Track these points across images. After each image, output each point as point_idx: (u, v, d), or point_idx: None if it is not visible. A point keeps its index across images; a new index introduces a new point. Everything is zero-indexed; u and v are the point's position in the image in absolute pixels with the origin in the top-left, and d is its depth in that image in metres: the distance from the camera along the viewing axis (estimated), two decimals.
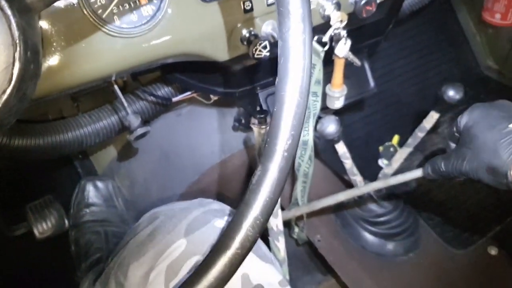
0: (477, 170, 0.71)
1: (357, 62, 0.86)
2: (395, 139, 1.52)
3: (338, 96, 0.93)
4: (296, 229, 1.36)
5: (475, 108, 0.74)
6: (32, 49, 0.41)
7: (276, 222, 1.03)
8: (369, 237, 1.30)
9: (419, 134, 1.17)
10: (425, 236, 1.34)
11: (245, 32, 0.78)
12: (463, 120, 0.75)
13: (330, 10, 0.80)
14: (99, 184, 1.30)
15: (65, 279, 1.21)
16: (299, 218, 1.28)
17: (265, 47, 0.76)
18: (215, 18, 0.76)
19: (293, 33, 0.44)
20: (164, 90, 1.05)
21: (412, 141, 1.20)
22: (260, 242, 0.80)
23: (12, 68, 0.40)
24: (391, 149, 1.49)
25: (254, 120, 0.95)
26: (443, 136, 1.55)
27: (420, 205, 1.39)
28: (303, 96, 0.46)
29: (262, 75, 0.97)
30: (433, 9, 1.64)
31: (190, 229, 0.74)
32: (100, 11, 0.66)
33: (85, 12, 0.65)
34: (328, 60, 0.88)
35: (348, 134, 1.32)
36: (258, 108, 1.02)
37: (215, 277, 0.48)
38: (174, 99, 1.04)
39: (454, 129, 0.78)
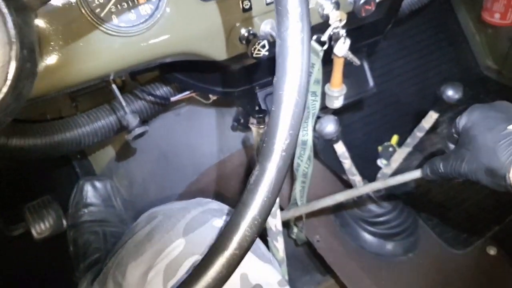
0: (476, 171, 0.70)
1: (356, 61, 0.86)
2: (394, 139, 1.51)
3: (337, 96, 0.93)
4: (295, 230, 1.36)
5: (474, 109, 0.74)
6: (28, 48, 0.41)
7: (274, 222, 1.02)
8: (368, 237, 1.30)
9: (418, 134, 1.17)
10: (424, 236, 1.33)
11: (243, 31, 0.78)
12: (462, 121, 0.75)
13: (329, 9, 0.79)
14: (98, 184, 1.30)
15: (64, 280, 1.20)
16: (298, 218, 1.28)
17: (263, 46, 0.76)
18: (214, 17, 0.76)
19: (291, 32, 0.44)
20: (162, 90, 1.04)
21: (411, 141, 1.20)
22: (259, 242, 0.80)
23: (8, 67, 0.40)
24: (390, 149, 1.49)
25: (252, 120, 0.95)
26: (442, 136, 1.55)
27: (419, 205, 1.38)
28: (301, 95, 0.46)
29: (261, 75, 0.97)
30: (432, 9, 1.64)
31: (188, 229, 0.74)
32: (98, 10, 0.66)
33: (83, 11, 0.65)
34: (327, 60, 0.88)
35: (347, 134, 1.32)
36: (256, 108, 1.01)
37: (213, 277, 0.48)
38: (173, 99, 1.04)
39: (453, 130, 0.77)
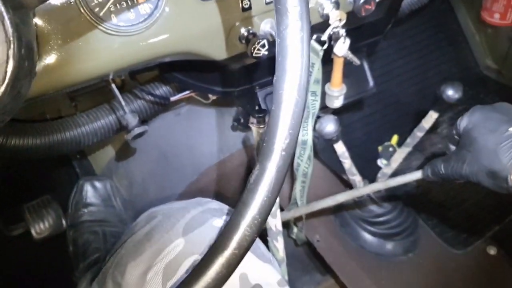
0: (477, 173, 0.70)
1: (356, 61, 0.86)
2: (394, 139, 1.51)
3: (337, 95, 0.93)
4: (295, 229, 1.36)
5: (475, 110, 0.74)
6: (26, 47, 0.41)
7: (274, 222, 1.02)
8: (368, 237, 1.30)
9: (418, 134, 1.17)
10: (424, 236, 1.33)
11: (243, 31, 0.78)
12: (463, 122, 0.74)
13: (329, 8, 0.79)
14: (97, 184, 1.30)
15: (63, 279, 1.20)
16: (298, 218, 1.28)
17: (263, 46, 0.76)
18: (213, 17, 0.76)
19: (291, 31, 0.44)
20: (162, 90, 1.04)
21: (411, 141, 1.20)
22: (258, 242, 0.80)
23: (6, 66, 0.40)
24: (390, 149, 1.48)
25: (252, 120, 0.94)
26: (442, 136, 1.55)
27: (419, 205, 1.38)
28: (301, 94, 0.45)
29: (260, 74, 0.96)
30: (432, 9, 1.64)
31: (188, 229, 0.74)
32: (97, 9, 0.66)
33: (82, 10, 0.65)
34: (327, 59, 0.88)
35: (347, 134, 1.32)
36: (256, 108, 1.01)
37: (212, 277, 0.47)
38: (172, 99, 1.04)
39: (454, 131, 0.77)
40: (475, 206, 1.39)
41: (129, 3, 0.68)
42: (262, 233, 1.04)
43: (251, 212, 0.48)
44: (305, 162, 1.06)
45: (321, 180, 1.37)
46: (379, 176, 1.26)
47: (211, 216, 0.76)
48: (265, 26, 0.78)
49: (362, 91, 1.14)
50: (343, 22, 0.80)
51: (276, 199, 0.49)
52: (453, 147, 0.80)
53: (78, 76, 0.69)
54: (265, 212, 0.48)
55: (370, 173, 1.28)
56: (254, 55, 0.76)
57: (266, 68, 0.94)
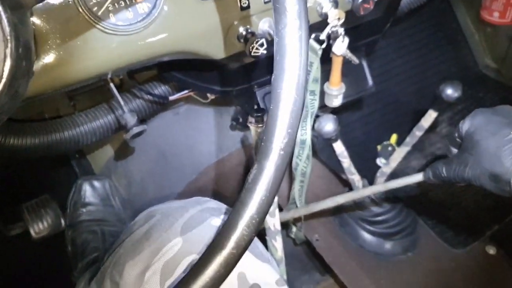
0: (479, 177, 0.70)
1: (355, 60, 0.86)
2: (393, 138, 1.51)
3: (336, 94, 0.93)
4: (294, 229, 1.36)
5: (477, 113, 0.74)
6: (24, 46, 0.41)
7: (273, 222, 1.02)
8: (367, 236, 1.30)
9: (417, 133, 1.17)
10: (424, 236, 1.33)
11: (241, 30, 0.78)
12: (465, 125, 0.74)
13: (327, 7, 0.79)
14: (96, 183, 1.29)
15: (62, 279, 1.20)
16: (297, 218, 1.28)
17: (262, 45, 0.76)
18: (212, 16, 0.76)
19: (289, 30, 0.44)
20: (161, 89, 1.04)
21: (410, 140, 1.20)
22: (256, 241, 0.80)
23: (3, 65, 0.40)
24: (389, 148, 1.48)
25: (251, 119, 0.94)
26: (441, 136, 1.55)
27: (418, 204, 1.38)
28: (299, 93, 0.45)
29: (259, 73, 0.96)
30: (431, 8, 1.64)
31: (186, 228, 0.74)
32: (95, 8, 0.66)
33: (80, 9, 0.64)
34: (326, 59, 0.88)
35: (346, 133, 1.32)
36: (255, 107, 1.01)
37: (210, 277, 0.47)
38: (171, 98, 1.04)
39: (456, 134, 0.77)
40: (475, 206, 1.39)
41: (127, 2, 0.68)
42: (260, 232, 1.04)
43: (249, 211, 0.48)
44: (303, 162, 1.06)
45: (320, 179, 1.37)
46: (378, 175, 1.26)
47: (209, 215, 0.76)
48: (263, 25, 0.78)
49: (361, 90, 1.14)
50: (342, 21, 0.80)
51: (274, 198, 0.49)
52: (454, 150, 0.80)
53: (76, 75, 0.69)
54: (263, 211, 0.48)
55: (369, 173, 1.27)
56: (252, 54, 0.76)
57: (265, 67, 0.94)
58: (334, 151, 1.12)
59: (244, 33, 0.77)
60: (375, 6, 0.87)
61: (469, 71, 1.75)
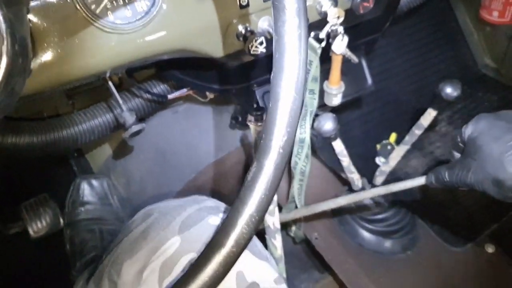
0: (483, 182, 0.70)
1: (354, 59, 0.86)
2: (393, 137, 1.51)
3: (335, 93, 0.93)
4: (293, 227, 1.36)
5: (480, 118, 0.74)
6: (20, 43, 0.40)
7: (272, 220, 1.02)
8: (366, 235, 1.29)
9: (417, 131, 1.17)
10: (423, 234, 1.33)
11: (241, 28, 0.77)
12: (468, 130, 0.74)
13: (327, 6, 0.79)
14: (94, 182, 1.29)
15: (61, 278, 1.20)
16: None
17: (261, 43, 0.76)
18: (211, 14, 0.75)
19: (288, 28, 0.44)
20: (159, 87, 1.04)
21: (410, 139, 1.20)
22: (255, 239, 0.80)
23: None
24: (388, 147, 1.48)
25: (250, 117, 0.94)
26: (440, 134, 1.55)
27: (417, 203, 1.38)
28: (298, 91, 0.45)
29: (258, 72, 0.96)
30: (430, 7, 1.64)
31: (184, 226, 0.73)
32: (93, 6, 0.66)
33: (78, 7, 0.64)
34: (326, 57, 0.88)
35: (345, 132, 1.31)
36: (254, 106, 1.01)
37: (209, 275, 0.47)
38: (170, 97, 1.04)
39: (459, 139, 0.77)
40: (474, 205, 1.39)
41: (126, 1, 0.68)
42: (260, 231, 1.04)
43: (249, 210, 0.47)
44: (302, 161, 1.05)
45: (319, 178, 1.37)
46: (377, 174, 1.26)
47: (207, 214, 0.76)
48: (262, 23, 0.78)
49: (360, 89, 1.14)
50: (341, 19, 0.80)
51: (273, 196, 0.49)
52: (457, 155, 0.80)
53: (74, 73, 0.68)
54: (263, 209, 0.48)
55: (368, 171, 1.27)
56: (251, 52, 0.76)
57: (264, 66, 0.94)
58: (333, 150, 1.12)
59: (243, 31, 0.77)
60: (375, 5, 0.87)
61: (469, 71, 1.75)
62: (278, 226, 1.04)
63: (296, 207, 1.19)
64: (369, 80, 1.14)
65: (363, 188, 1.22)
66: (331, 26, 0.80)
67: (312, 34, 0.85)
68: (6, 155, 0.89)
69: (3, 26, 0.39)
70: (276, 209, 1.02)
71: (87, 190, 1.27)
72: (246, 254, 0.73)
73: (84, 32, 0.66)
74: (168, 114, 1.36)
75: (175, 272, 0.68)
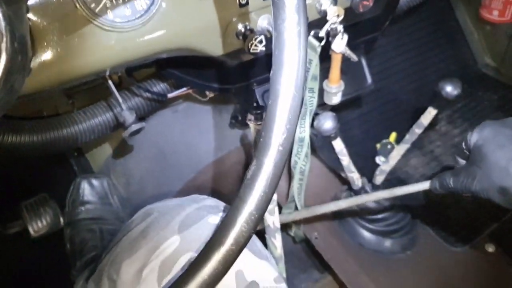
0: (488, 190, 0.70)
1: (354, 57, 0.86)
2: (392, 136, 1.51)
3: (335, 92, 0.93)
4: (293, 227, 1.36)
5: (485, 126, 0.74)
6: (19, 40, 0.40)
7: (272, 219, 1.02)
8: (366, 234, 1.29)
9: (417, 130, 1.17)
10: (423, 234, 1.33)
11: (240, 27, 0.77)
12: (473, 137, 0.74)
13: (326, 4, 0.79)
14: (94, 182, 1.29)
15: (61, 278, 1.20)
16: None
17: (260, 42, 0.76)
18: (210, 12, 0.75)
19: (288, 25, 0.44)
20: (159, 86, 1.04)
21: (410, 138, 1.19)
22: (255, 238, 0.79)
23: None
24: (388, 146, 1.48)
25: (250, 116, 0.94)
26: (440, 134, 1.55)
27: (417, 202, 1.38)
28: (298, 89, 0.45)
29: (258, 71, 0.96)
30: (430, 6, 1.64)
31: (183, 226, 0.73)
32: (93, 4, 0.66)
33: (78, 5, 0.64)
34: (325, 56, 0.88)
35: (345, 131, 1.31)
36: (254, 105, 1.01)
37: (208, 274, 0.47)
38: (170, 95, 1.04)
39: (464, 145, 0.77)
40: (473, 204, 1.39)
41: None
42: (260, 230, 1.04)
43: (248, 208, 0.47)
44: (302, 160, 1.05)
45: (319, 177, 1.37)
46: (377, 173, 1.25)
47: (207, 213, 0.76)
48: (262, 22, 0.78)
49: (360, 88, 1.14)
50: (341, 18, 0.79)
51: (273, 194, 0.48)
52: (462, 161, 0.80)
53: (74, 72, 0.68)
54: (262, 207, 0.48)
55: (368, 171, 1.27)
56: (251, 51, 0.76)
57: (264, 65, 0.94)
58: (333, 149, 1.12)
59: (242, 30, 0.77)
60: (375, 4, 0.87)
61: (469, 70, 1.75)
62: (278, 225, 1.04)
63: (296, 206, 1.19)
64: (369, 79, 1.14)
65: (363, 187, 1.22)
66: (330, 25, 0.80)
67: (312, 32, 0.85)
68: (6, 154, 0.89)
69: (3, 24, 0.39)
70: (276, 208, 1.02)
71: (88, 189, 1.27)
72: (246, 253, 0.73)
73: (83, 31, 0.66)
74: (167, 114, 1.36)
75: (175, 271, 0.68)
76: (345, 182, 1.31)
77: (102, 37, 0.67)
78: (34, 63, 0.63)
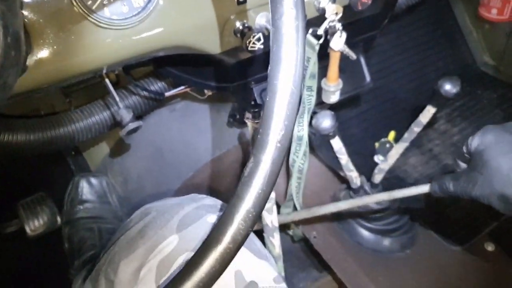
0: (489, 196, 0.70)
1: (352, 55, 0.85)
2: (391, 135, 1.51)
3: (333, 90, 0.92)
4: (292, 226, 1.35)
5: (487, 131, 0.73)
6: (13, 35, 0.40)
7: (271, 218, 1.02)
8: (365, 233, 1.29)
9: (415, 129, 1.16)
10: (422, 233, 1.33)
11: (238, 24, 0.77)
12: (474, 142, 0.74)
13: (325, 2, 0.79)
14: (93, 180, 1.29)
15: (59, 277, 1.19)
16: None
17: (258, 40, 0.75)
18: (208, 10, 0.75)
19: (286, 20, 0.43)
20: (157, 85, 1.03)
21: (408, 136, 1.19)
22: (254, 238, 0.79)
23: None
24: (387, 145, 1.48)
25: (248, 114, 0.94)
26: (439, 132, 1.55)
27: (416, 201, 1.38)
28: (296, 84, 0.44)
29: (256, 69, 0.96)
30: (429, 5, 1.64)
31: (182, 225, 0.73)
32: (89, 2, 0.65)
33: (74, 2, 0.64)
34: (324, 54, 0.87)
35: (344, 130, 1.31)
36: (252, 103, 1.01)
37: (206, 272, 0.47)
38: (167, 94, 1.03)
39: (465, 149, 0.77)
40: (473, 203, 1.39)
41: None
42: (259, 230, 1.03)
43: (245, 206, 0.47)
44: (300, 158, 1.05)
45: (317, 176, 1.37)
46: (376, 172, 1.25)
47: (205, 212, 0.75)
48: (260, 19, 0.78)
49: (358, 87, 1.13)
50: (340, 16, 0.79)
51: (271, 191, 0.48)
52: (463, 165, 0.80)
53: (70, 70, 0.68)
54: (260, 205, 0.47)
55: (366, 169, 1.27)
56: (249, 49, 0.76)
57: (262, 63, 0.94)
58: (331, 148, 1.11)
59: (240, 27, 0.77)
60: (373, 2, 0.86)
61: (467, 68, 1.75)
62: (276, 224, 1.03)
63: (294, 205, 1.18)
64: (368, 78, 1.13)
65: (361, 186, 1.22)
66: (329, 23, 0.79)
67: (310, 30, 0.84)
68: (2, 153, 0.89)
69: None
70: (274, 207, 1.02)
71: (86, 188, 1.27)
72: (245, 253, 0.73)
73: (80, 28, 0.65)
74: (165, 112, 1.36)
75: (173, 271, 0.67)
76: (344, 181, 1.30)
77: (99, 35, 0.67)
78: (31, 60, 0.62)
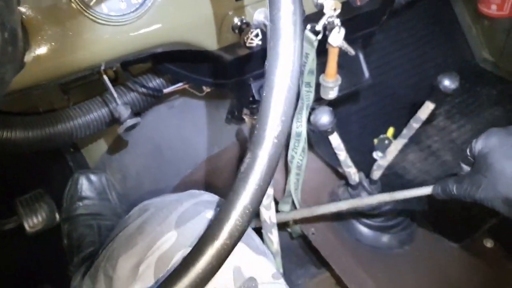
0: (493, 200, 0.70)
1: (351, 51, 0.85)
2: (390, 131, 1.51)
3: (332, 86, 0.92)
4: (290, 222, 1.35)
5: (491, 134, 0.73)
6: (10, 31, 0.40)
7: (269, 215, 1.02)
8: (363, 230, 1.29)
9: (414, 125, 1.16)
10: (421, 229, 1.33)
11: (236, 20, 0.77)
12: (478, 145, 0.74)
13: None
14: (93, 177, 1.29)
15: (58, 274, 1.19)
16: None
17: (256, 36, 0.75)
18: (206, 6, 0.75)
19: (284, 14, 0.43)
20: (155, 82, 1.03)
21: (407, 132, 1.19)
22: (253, 234, 0.79)
23: None
24: (386, 141, 1.48)
25: (246, 111, 0.94)
26: (438, 129, 1.55)
27: (415, 198, 1.38)
28: (294, 80, 0.44)
29: (254, 66, 0.95)
30: (428, 1, 1.63)
31: (180, 221, 0.73)
32: None
33: None
34: (322, 50, 0.87)
35: (342, 126, 1.31)
36: (250, 99, 1.00)
37: (202, 268, 0.47)
38: (166, 91, 1.03)
39: (468, 152, 0.77)
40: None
41: None
42: (257, 227, 1.03)
43: (242, 201, 0.47)
44: (299, 155, 1.05)
45: (316, 172, 1.36)
46: (375, 168, 1.25)
47: (204, 208, 0.75)
48: (258, 15, 0.78)
49: (357, 83, 1.13)
50: (338, 11, 0.79)
51: (268, 187, 0.48)
52: (466, 168, 0.79)
53: (69, 66, 0.68)
54: (257, 201, 0.47)
55: (365, 166, 1.27)
56: (247, 45, 0.76)
57: (260, 59, 0.93)
58: (330, 144, 1.11)
59: (238, 23, 0.77)
60: None
61: (467, 65, 1.74)
62: (275, 220, 1.03)
63: (293, 201, 1.18)
64: (366, 74, 1.13)
65: (360, 183, 1.22)
66: (327, 18, 0.79)
67: (309, 26, 0.84)
68: (1, 150, 0.89)
69: None
70: (272, 203, 1.02)
71: (86, 185, 1.27)
72: (243, 249, 0.73)
73: (78, 25, 0.65)
74: (163, 109, 1.36)
75: (171, 267, 0.67)
76: (342, 177, 1.30)
77: (96, 31, 0.67)
78: (29, 57, 0.62)
